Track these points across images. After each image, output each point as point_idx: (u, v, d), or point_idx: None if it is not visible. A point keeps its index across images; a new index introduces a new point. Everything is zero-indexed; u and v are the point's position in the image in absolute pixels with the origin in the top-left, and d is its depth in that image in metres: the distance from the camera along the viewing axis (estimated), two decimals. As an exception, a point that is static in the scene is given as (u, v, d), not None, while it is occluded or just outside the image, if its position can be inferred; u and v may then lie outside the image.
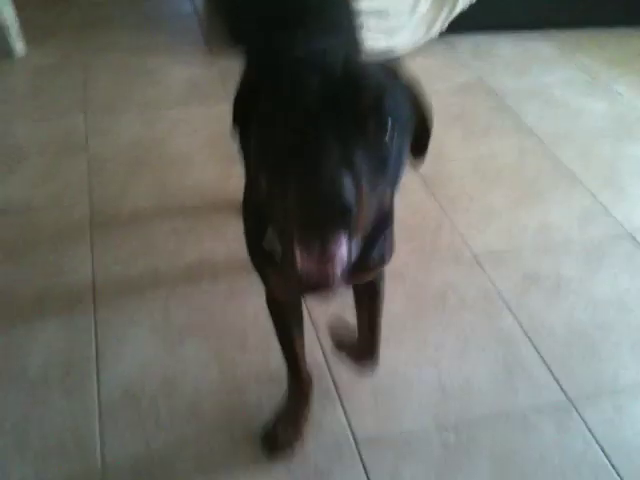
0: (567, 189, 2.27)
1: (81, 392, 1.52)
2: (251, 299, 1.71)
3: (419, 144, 0.99)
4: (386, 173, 0.85)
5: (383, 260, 1.19)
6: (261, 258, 1.15)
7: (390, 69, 0.94)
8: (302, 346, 1.42)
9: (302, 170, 0.77)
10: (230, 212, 1.94)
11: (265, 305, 1.31)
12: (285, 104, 0.83)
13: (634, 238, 2.07)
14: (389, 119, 0.84)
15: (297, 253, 0.84)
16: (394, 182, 0.90)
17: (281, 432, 1.44)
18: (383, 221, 1.08)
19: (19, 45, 2.72)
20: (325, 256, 0.82)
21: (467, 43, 3.10)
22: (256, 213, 1.11)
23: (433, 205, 2.13)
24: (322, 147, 0.78)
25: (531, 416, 1.55)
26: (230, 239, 1.91)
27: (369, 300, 1.37)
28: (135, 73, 2.70)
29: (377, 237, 1.09)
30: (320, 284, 0.84)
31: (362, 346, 1.47)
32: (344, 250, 0.83)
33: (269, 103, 0.87)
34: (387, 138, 0.84)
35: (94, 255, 1.86)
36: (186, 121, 2.45)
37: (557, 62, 3.06)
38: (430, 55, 2.96)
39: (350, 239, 0.83)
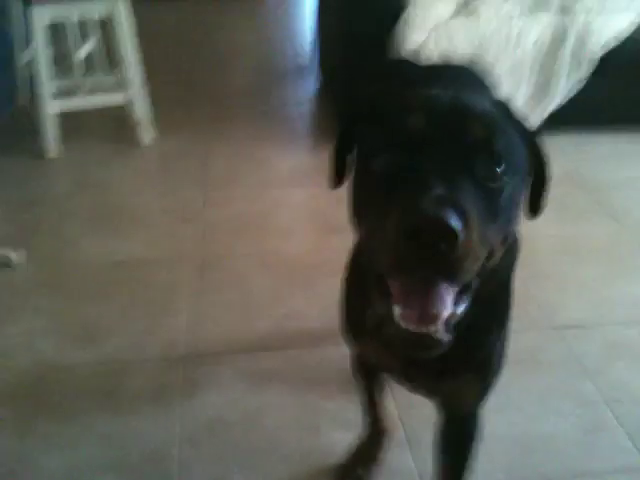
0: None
1: (166, 417, 1.65)
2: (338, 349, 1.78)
3: (534, 195, 0.91)
4: (495, 217, 0.77)
5: (485, 367, 1.06)
6: (354, 327, 1.12)
7: (507, 108, 0.88)
8: (382, 404, 1.43)
9: (404, 198, 0.72)
10: (324, 275, 2.08)
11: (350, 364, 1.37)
12: (387, 134, 0.79)
13: None
14: (500, 156, 0.78)
15: (396, 292, 0.77)
16: (505, 231, 0.81)
17: (352, 466, 1.50)
18: (493, 301, 0.99)
19: (147, 136, 3.07)
20: (428, 295, 0.75)
21: (562, 138, 3.19)
22: (359, 277, 1.05)
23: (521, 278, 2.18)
24: (426, 178, 0.72)
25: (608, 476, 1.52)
26: (321, 297, 2.03)
27: (456, 446, 1.22)
28: (248, 159, 2.98)
29: (483, 325, 0.99)
30: (421, 329, 0.75)
31: None
32: (448, 295, 0.76)
33: (371, 133, 0.83)
34: (498, 178, 0.77)
35: (195, 299, 2.05)
36: (287, 199, 2.67)
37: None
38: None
39: (455, 283, 0.75)
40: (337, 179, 0.96)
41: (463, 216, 0.69)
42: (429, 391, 1.12)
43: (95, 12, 2.82)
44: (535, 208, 0.93)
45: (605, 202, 2.70)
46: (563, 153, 3.05)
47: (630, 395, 1.74)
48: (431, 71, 1.57)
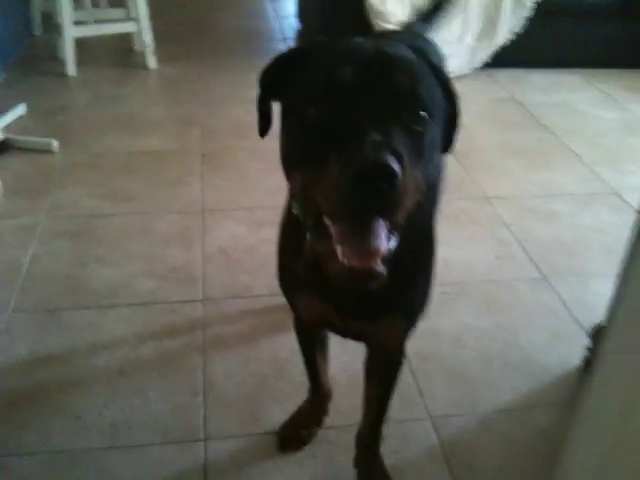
0: (571, 164, 2.86)
1: (190, 247, 2.20)
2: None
3: (447, 133, 0.95)
4: (422, 157, 0.82)
5: (411, 307, 1.13)
6: (291, 280, 1.16)
7: (426, 55, 0.92)
8: (324, 363, 1.48)
9: (342, 146, 0.75)
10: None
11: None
12: (318, 84, 0.82)
13: (619, 195, 2.62)
14: (424, 102, 0.83)
15: (339, 233, 0.80)
16: (430, 170, 0.86)
17: (295, 428, 1.53)
18: (417, 243, 1.05)
19: (152, 61, 3.60)
20: (369, 234, 0.79)
21: (505, 73, 3.77)
22: (292, 227, 1.10)
23: (459, 167, 2.77)
24: (361, 125, 0.76)
25: (513, 282, 2.12)
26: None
27: (379, 378, 1.32)
28: (242, 83, 3.50)
29: (408, 266, 1.03)
30: (364, 264, 0.79)
31: (360, 435, 1.44)
32: (384, 231, 0.81)
33: (300, 82, 0.87)
34: (422, 121, 0.82)
35: (204, 176, 2.59)
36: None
37: (580, 87, 3.70)
38: (473, 79, 3.66)
39: (392, 221, 0.80)
40: (263, 128, 0.99)
41: (399, 158, 0.74)
42: (360, 334, 1.19)
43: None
44: (447, 145, 0.96)
45: (536, 117, 3.30)
46: (504, 84, 3.65)
47: (535, 238, 2.33)
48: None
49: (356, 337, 1.23)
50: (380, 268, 0.80)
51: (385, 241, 0.81)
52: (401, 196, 0.75)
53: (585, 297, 2.05)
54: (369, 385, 1.35)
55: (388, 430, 1.46)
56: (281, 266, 1.19)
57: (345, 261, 0.80)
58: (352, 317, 1.10)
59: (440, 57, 1.59)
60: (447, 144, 0.97)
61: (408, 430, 1.59)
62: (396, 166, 0.72)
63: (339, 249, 0.81)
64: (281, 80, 0.92)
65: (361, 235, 0.79)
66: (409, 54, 0.88)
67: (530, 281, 2.12)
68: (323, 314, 1.13)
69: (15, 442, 1.50)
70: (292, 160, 0.87)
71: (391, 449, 1.51)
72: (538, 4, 3.63)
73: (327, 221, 0.82)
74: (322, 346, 1.45)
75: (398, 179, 0.73)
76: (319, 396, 1.53)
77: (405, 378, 1.71)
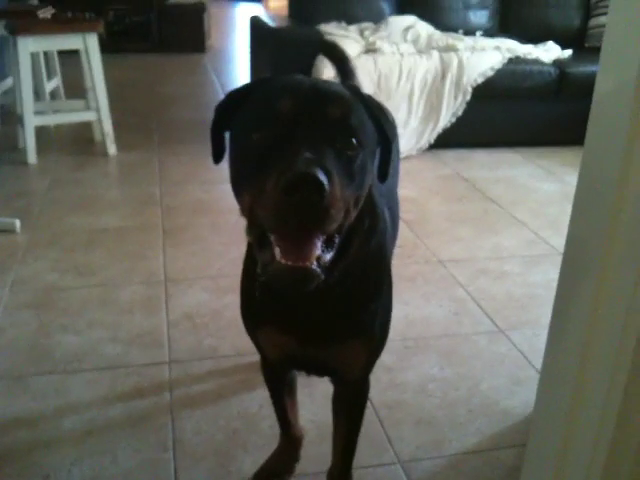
0: (517, 230, 3.02)
1: (156, 311, 2.22)
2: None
3: (382, 162, 1.06)
4: (352, 179, 0.90)
5: (368, 334, 1.17)
6: (252, 313, 1.22)
7: (358, 90, 1.01)
8: (294, 409, 1.51)
9: (279, 165, 0.84)
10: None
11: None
12: (261, 114, 0.91)
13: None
14: (354, 130, 0.92)
15: (276, 239, 0.89)
16: (359, 191, 0.94)
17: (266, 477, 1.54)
18: (369, 273, 1.13)
19: (112, 148, 3.72)
20: (303, 238, 0.88)
21: (449, 153, 4.00)
22: (250, 259, 1.17)
23: (412, 235, 2.89)
24: (297, 147, 0.85)
25: (472, 336, 2.19)
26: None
27: (346, 413, 1.36)
28: (196, 168, 3.63)
29: (361, 294, 1.12)
30: (299, 263, 0.87)
31: (331, 474, 1.46)
32: (318, 239, 0.89)
33: (247, 112, 0.96)
34: (353, 147, 0.91)
35: (166, 250, 2.65)
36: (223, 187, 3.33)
37: (520, 163, 3.94)
38: (420, 159, 3.87)
39: (323, 229, 0.87)
40: (217, 155, 1.08)
41: (328, 174, 0.83)
42: (323, 367, 1.24)
43: (72, 44, 3.46)
44: (383, 173, 1.07)
45: (481, 190, 3.49)
46: (449, 162, 3.86)
47: (489, 295, 2.44)
48: None
49: (320, 371, 1.28)
50: (316, 267, 0.88)
51: (319, 245, 0.89)
52: (330, 208, 0.84)
53: (541, 346, 2.12)
54: (337, 421, 1.39)
55: (359, 477, 1.48)
56: (242, 301, 1.23)
57: (282, 260, 0.87)
58: (313, 346, 1.16)
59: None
60: (383, 171, 1.07)
61: (378, 475, 1.61)
62: (324, 179, 0.81)
63: (277, 250, 0.88)
64: (231, 112, 1.01)
65: (296, 237, 0.88)
66: (342, 89, 0.97)
67: (487, 334, 2.20)
68: (285, 346, 1.17)
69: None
70: (238, 181, 0.95)
71: (362, 492, 1.53)
72: (477, 88, 3.91)
73: (269, 233, 0.90)
74: (291, 391, 1.49)
75: (326, 191, 0.81)
76: (290, 442, 1.55)
77: (373, 426, 1.75)
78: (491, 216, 3.18)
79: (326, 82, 0.98)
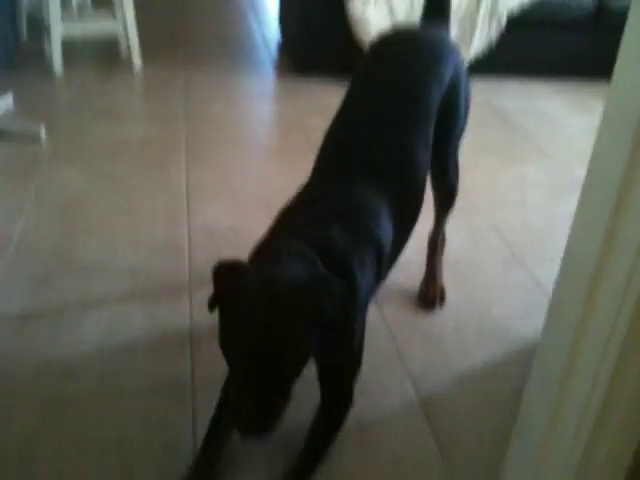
0: (543, 161, 3.00)
1: (178, 220, 2.26)
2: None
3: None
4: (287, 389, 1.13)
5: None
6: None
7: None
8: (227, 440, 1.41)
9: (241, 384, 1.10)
10: (276, 154, 2.72)
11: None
12: (233, 330, 1.11)
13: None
14: (286, 366, 1.10)
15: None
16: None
17: None
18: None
19: (137, 61, 3.70)
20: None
21: (480, 81, 3.90)
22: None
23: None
24: (255, 373, 1.07)
25: (487, 263, 2.20)
26: (279, 165, 2.68)
27: (323, 419, 1.45)
28: (222, 84, 3.60)
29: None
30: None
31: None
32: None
33: (225, 321, 1.15)
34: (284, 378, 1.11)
35: (188, 161, 2.66)
36: (256, 108, 3.33)
37: (552, 96, 3.86)
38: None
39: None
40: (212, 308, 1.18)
41: (268, 407, 1.09)
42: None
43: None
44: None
45: (509, 120, 3.44)
46: (480, 90, 3.76)
47: (509, 225, 2.43)
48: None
49: None
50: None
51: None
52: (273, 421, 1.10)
53: (554, 275, 2.13)
54: (311, 427, 1.43)
55: (367, 385, 1.52)
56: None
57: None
58: None
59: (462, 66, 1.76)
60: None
61: (387, 385, 1.65)
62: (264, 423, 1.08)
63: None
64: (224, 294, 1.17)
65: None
66: (289, 326, 1.10)
67: (503, 261, 2.21)
68: None
69: (7, 389, 1.54)
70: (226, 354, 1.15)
71: (371, 401, 1.58)
72: (512, 18, 3.79)
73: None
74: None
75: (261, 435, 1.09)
76: (209, 464, 1.36)
77: (385, 341, 1.79)
78: (518, 146, 3.14)
79: (279, 310, 1.10)
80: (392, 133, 1.52)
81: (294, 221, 1.37)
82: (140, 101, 3.40)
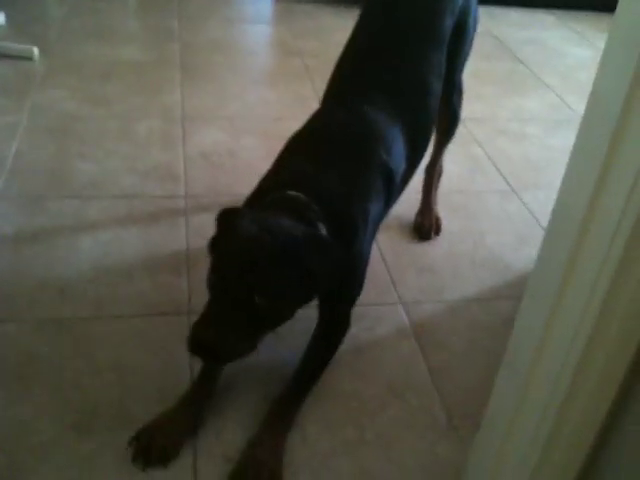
0: (542, 93, 2.95)
1: (173, 148, 2.23)
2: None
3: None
4: (255, 323, 1.15)
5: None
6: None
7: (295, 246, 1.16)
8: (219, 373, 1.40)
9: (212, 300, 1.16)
10: (276, 76, 2.66)
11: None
12: (218, 256, 1.19)
13: (587, 122, 2.72)
14: (258, 289, 1.12)
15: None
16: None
17: (156, 434, 1.25)
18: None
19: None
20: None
21: (482, 9, 3.79)
22: None
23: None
24: (224, 293, 1.13)
25: (483, 193, 2.20)
26: (280, 91, 2.63)
27: (321, 337, 1.46)
28: (218, 4, 3.50)
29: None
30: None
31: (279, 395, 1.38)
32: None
33: (214, 248, 1.21)
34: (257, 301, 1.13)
35: (183, 86, 2.61)
36: (252, 30, 3.26)
37: (553, 25, 3.78)
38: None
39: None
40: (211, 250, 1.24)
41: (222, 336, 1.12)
42: None
43: None
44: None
45: (510, 50, 3.38)
46: (481, 19, 3.65)
47: (506, 156, 2.42)
48: None
49: None
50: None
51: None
52: (219, 354, 1.14)
53: (550, 207, 2.14)
54: (308, 347, 1.45)
55: (361, 311, 1.54)
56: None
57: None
58: None
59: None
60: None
61: (381, 312, 1.68)
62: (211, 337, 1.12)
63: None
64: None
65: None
66: (266, 248, 1.14)
67: (499, 192, 2.22)
68: None
69: (5, 309, 1.55)
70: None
71: (365, 326, 1.61)
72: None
73: None
74: None
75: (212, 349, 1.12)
76: (200, 392, 1.34)
77: (379, 268, 1.81)
78: (517, 77, 3.10)
79: (257, 239, 1.15)
80: (406, 61, 1.52)
81: (299, 159, 1.37)
82: (134, 20, 3.30)
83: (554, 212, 1.01)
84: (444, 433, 1.39)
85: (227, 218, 1.22)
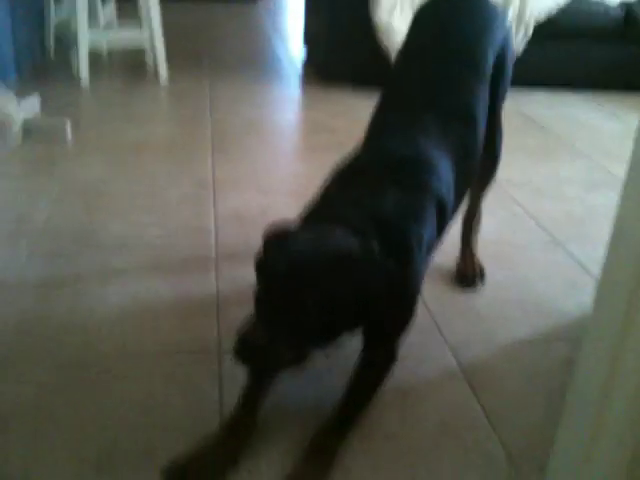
0: (576, 158, 2.91)
1: (203, 209, 2.20)
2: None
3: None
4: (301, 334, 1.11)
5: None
6: None
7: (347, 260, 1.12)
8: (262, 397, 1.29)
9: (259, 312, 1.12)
10: (304, 150, 2.68)
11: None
12: (261, 274, 1.17)
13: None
14: (308, 305, 1.08)
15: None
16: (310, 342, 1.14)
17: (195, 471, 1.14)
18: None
19: (164, 73, 3.71)
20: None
21: (510, 91, 3.87)
22: None
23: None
24: (268, 308, 1.11)
25: (526, 246, 2.11)
26: (310, 162, 2.62)
27: (365, 372, 1.34)
28: (246, 94, 3.59)
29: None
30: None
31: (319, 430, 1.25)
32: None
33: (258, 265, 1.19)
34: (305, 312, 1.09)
35: (213, 157, 2.62)
36: (279, 113, 3.32)
37: (581, 104, 3.80)
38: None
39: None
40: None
41: (272, 344, 1.08)
42: None
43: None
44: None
45: (541, 124, 3.38)
46: (509, 98, 3.72)
47: (547, 213, 2.34)
48: None
49: None
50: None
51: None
52: (267, 359, 1.11)
53: (598, 255, 2.03)
54: (350, 381, 1.33)
55: (404, 351, 1.41)
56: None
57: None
58: None
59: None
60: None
61: (425, 353, 1.55)
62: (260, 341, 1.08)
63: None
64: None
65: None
66: (319, 256, 1.12)
67: (543, 244, 2.12)
68: None
69: (25, 353, 1.46)
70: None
71: (408, 366, 1.48)
72: (539, 26, 3.76)
73: None
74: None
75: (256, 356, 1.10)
76: (241, 424, 1.22)
77: (422, 316, 1.68)
78: (551, 147, 3.08)
79: (304, 258, 1.12)
80: (455, 94, 1.50)
81: (347, 184, 1.34)
82: (166, 109, 3.39)
83: (608, 253, 0.93)
84: (504, 472, 1.23)
85: (277, 233, 1.20)
